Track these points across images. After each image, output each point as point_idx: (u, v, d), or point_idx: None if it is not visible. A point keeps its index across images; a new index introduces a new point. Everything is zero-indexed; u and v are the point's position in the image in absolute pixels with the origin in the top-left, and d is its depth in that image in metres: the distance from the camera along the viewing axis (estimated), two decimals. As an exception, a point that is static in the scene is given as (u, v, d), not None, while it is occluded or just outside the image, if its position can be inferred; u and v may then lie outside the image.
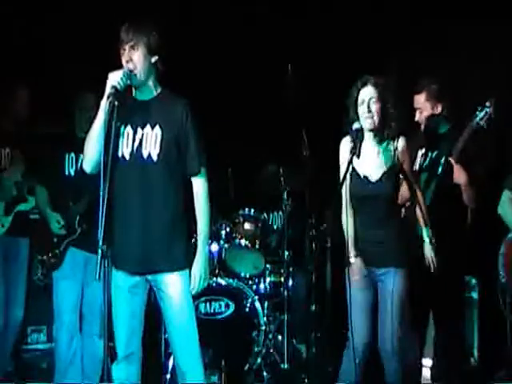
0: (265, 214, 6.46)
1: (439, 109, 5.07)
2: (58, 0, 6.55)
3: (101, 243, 3.61)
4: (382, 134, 4.45)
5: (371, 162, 4.48)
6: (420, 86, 5.10)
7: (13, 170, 5.49)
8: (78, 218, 5.24)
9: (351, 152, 4.37)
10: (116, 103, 3.83)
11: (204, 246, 4.17)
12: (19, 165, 5.51)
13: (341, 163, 4.50)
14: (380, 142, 4.48)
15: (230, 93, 7.09)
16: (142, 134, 4.02)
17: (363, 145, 4.45)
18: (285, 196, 6.12)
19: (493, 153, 5.19)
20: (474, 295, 5.74)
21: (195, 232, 6.06)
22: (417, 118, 5.12)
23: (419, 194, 4.60)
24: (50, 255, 5.25)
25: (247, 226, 6.30)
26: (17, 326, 5.71)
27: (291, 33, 6.94)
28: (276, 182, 6.17)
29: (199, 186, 4.12)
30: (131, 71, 3.96)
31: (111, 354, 3.93)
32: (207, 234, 4.20)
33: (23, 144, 5.53)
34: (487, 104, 4.82)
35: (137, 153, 4.00)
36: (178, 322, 4.08)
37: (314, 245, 6.14)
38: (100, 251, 3.60)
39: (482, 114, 4.81)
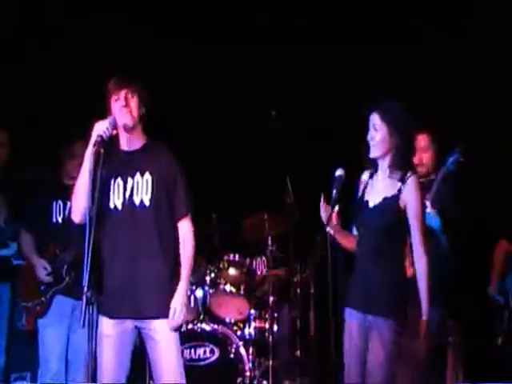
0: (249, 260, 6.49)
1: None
2: (45, 45, 6.63)
3: (86, 290, 3.64)
4: (390, 164, 4.16)
5: (375, 188, 4.23)
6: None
7: None
8: (65, 266, 5.25)
9: (331, 201, 4.19)
10: (102, 151, 3.90)
11: (186, 282, 4.17)
12: (1, 211, 5.52)
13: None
14: (388, 171, 4.18)
15: (215, 139, 7.16)
16: (133, 183, 4.09)
17: (376, 174, 4.23)
18: (269, 242, 6.16)
19: (467, 197, 5.27)
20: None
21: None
22: (421, 159, 5.12)
23: (421, 256, 4.08)
24: (36, 302, 5.24)
25: (232, 271, 6.33)
26: (-2, 371, 5.71)
27: (275, 79, 7.03)
28: (261, 228, 6.21)
29: (185, 229, 4.20)
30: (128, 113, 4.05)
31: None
32: (189, 273, 4.21)
33: (6, 190, 5.56)
34: (456, 150, 5.00)
35: (129, 201, 4.07)
36: (165, 368, 4.08)
37: (297, 290, 6.20)
38: (85, 298, 3.63)
39: (452, 159, 4.99)
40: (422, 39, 6.55)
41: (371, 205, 4.19)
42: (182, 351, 5.70)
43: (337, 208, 4.20)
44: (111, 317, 4.07)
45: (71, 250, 5.16)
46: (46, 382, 5.22)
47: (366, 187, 4.28)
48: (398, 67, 6.76)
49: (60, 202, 5.27)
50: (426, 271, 4.07)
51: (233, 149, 7.15)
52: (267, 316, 6.13)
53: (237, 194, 7.04)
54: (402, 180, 4.11)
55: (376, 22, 6.71)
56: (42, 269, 5.24)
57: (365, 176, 4.33)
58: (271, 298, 6.08)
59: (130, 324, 4.10)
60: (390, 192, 4.14)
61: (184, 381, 4.11)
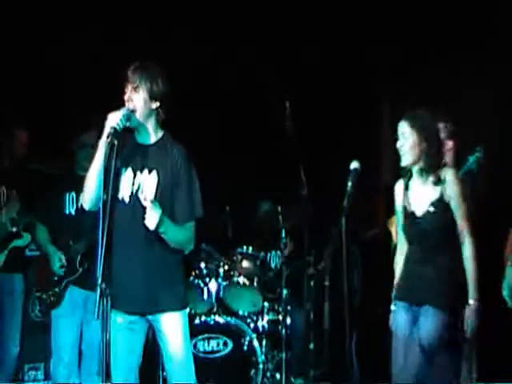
0: (263, 252, 6.47)
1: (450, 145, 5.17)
2: (57, 38, 6.63)
3: (99, 282, 3.63)
4: (423, 169, 4.29)
5: (417, 197, 4.33)
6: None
7: (8, 208, 5.53)
8: (79, 257, 5.25)
9: (347, 193, 4.22)
10: (115, 143, 3.86)
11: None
12: (15, 202, 5.55)
13: (396, 205, 4.44)
14: (423, 177, 4.30)
15: (228, 132, 7.15)
16: (141, 179, 4.05)
17: (412, 180, 4.35)
18: (283, 234, 6.14)
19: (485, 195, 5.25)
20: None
21: (193, 270, 6.16)
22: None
23: (468, 240, 4.25)
24: (50, 293, 5.25)
25: (245, 263, 6.32)
26: (12, 361, 5.74)
27: (289, 71, 7.00)
28: (274, 220, 6.19)
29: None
30: (131, 111, 4.00)
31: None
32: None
33: (19, 182, 5.58)
34: (477, 149, 5.03)
35: (135, 196, 4.04)
36: (176, 361, 4.07)
37: (312, 283, 6.17)
38: (99, 290, 3.61)
39: (473, 158, 5.03)
40: (440, 26, 6.50)
41: (419, 214, 4.30)
42: (196, 343, 5.72)
43: None
44: (121, 310, 4.06)
45: (84, 241, 5.17)
46: (59, 372, 5.24)
47: (404, 196, 4.38)
48: (416, 57, 6.72)
49: (73, 194, 5.27)
50: (474, 254, 4.20)
51: (247, 141, 7.13)
52: (280, 308, 6.12)
53: (250, 186, 7.03)
54: (440, 180, 4.24)
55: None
56: (57, 260, 5.25)
57: (400, 185, 4.42)
58: (285, 291, 6.05)
59: (141, 315, 4.09)
60: (434, 196, 4.26)
61: (194, 373, 4.10)
